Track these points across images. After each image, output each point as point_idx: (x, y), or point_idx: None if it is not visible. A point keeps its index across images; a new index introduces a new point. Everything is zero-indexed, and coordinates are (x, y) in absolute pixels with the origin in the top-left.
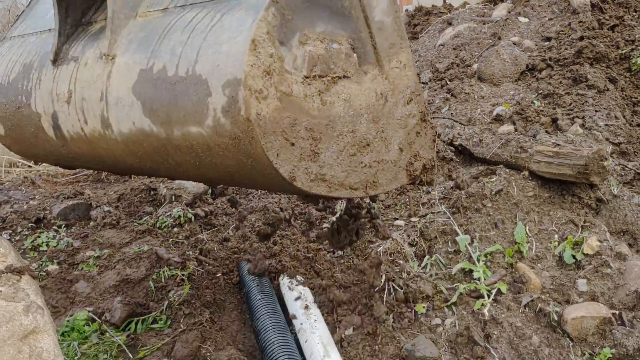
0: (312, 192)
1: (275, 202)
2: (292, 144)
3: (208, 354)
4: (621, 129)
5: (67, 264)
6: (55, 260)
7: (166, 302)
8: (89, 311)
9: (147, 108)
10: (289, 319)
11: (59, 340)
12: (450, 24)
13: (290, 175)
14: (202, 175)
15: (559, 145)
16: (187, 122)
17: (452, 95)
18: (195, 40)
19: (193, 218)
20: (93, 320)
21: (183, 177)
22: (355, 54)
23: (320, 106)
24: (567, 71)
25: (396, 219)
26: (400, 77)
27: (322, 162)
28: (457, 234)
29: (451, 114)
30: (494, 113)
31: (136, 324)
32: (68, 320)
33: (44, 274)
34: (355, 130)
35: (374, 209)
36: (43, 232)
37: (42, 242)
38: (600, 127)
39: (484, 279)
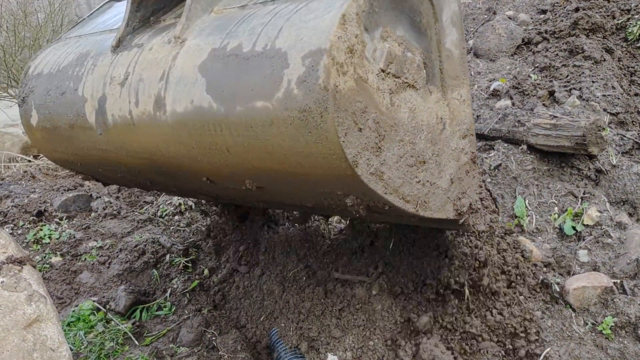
0: (369, 186)
1: None
2: (360, 130)
3: (213, 338)
4: (619, 98)
5: (70, 255)
6: (58, 252)
7: (170, 290)
8: (93, 301)
9: (211, 85)
10: None
11: (63, 329)
12: None
13: (353, 159)
14: (248, 165)
15: (556, 117)
16: (254, 97)
17: None
18: (278, 20)
19: (193, 205)
20: (98, 310)
21: (221, 174)
22: (424, 71)
23: (389, 105)
24: (563, 43)
25: None
26: (459, 110)
27: (383, 160)
28: None
29: None
30: (491, 88)
31: (141, 311)
32: (74, 311)
33: (48, 266)
34: (415, 144)
35: None
36: (45, 225)
37: (45, 235)
38: (598, 97)
39: None
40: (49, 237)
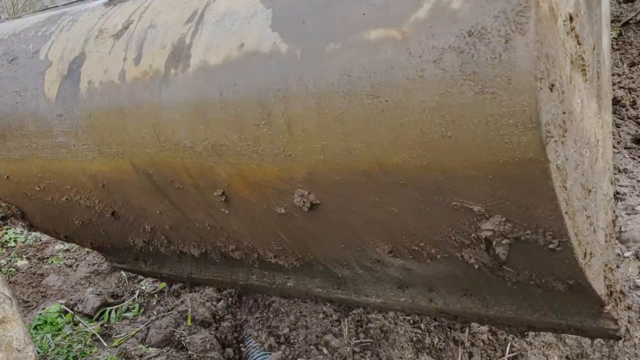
0: (553, 186)
1: None
2: (551, 88)
3: (182, 338)
4: None
5: (36, 258)
6: (24, 256)
7: (138, 291)
8: (61, 304)
9: (281, 16)
10: None
11: (30, 332)
12: None
13: (547, 130)
14: (316, 156)
15: None
16: (364, 24)
17: None
18: None
19: None
20: (66, 312)
21: (257, 179)
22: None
23: (568, 80)
24: None
25: None
26: (608, 143)
27: (566, 156)
28: None
29: None
30: None
31: (109, 313)
32: (40, 314)
33: (14, 269)
34: (582, 156)
35: None
36: (10, 229)
37: (10, 238)
38: None
39: None
40: (15, 241)
